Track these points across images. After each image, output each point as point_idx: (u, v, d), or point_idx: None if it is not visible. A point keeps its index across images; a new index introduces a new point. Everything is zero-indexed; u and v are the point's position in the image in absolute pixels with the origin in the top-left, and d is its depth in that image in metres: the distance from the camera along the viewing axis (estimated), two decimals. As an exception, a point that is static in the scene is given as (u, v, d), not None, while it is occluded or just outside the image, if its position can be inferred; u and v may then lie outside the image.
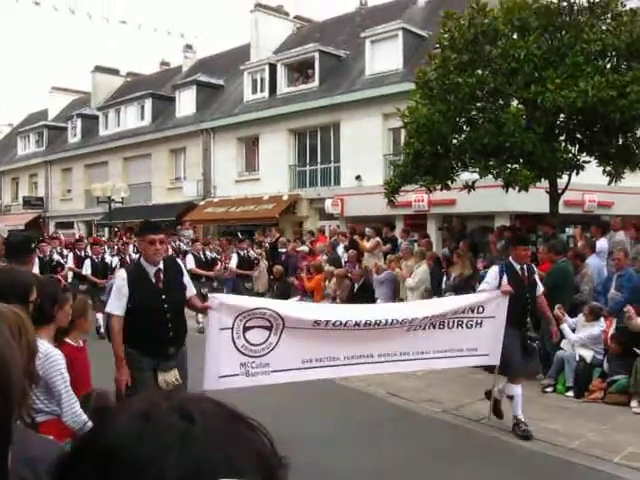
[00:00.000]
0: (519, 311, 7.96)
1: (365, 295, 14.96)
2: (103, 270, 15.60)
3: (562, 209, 14.62)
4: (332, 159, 26.04)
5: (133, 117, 36.11)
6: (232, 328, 6.14)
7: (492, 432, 8.13)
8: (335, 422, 8.47)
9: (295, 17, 34.45)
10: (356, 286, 15.14)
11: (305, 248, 18.68)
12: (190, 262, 15.52)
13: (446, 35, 12.80)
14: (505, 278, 7.90)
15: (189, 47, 38.97)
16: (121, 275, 5.92)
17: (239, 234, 21.88)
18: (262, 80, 29.31)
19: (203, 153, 31.04)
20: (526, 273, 8.23)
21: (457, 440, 7.88)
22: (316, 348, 6.56)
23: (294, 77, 28.34)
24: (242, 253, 17.23)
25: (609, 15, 12.39)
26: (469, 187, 13.37)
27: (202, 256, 16.51)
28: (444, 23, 12.86)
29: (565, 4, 12.32)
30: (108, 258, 16.56)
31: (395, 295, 14.71)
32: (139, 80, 42.42)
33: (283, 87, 28.20)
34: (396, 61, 23.77)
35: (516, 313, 7.84)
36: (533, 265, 9.02)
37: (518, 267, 8.17)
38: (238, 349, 6.19)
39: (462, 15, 12.68)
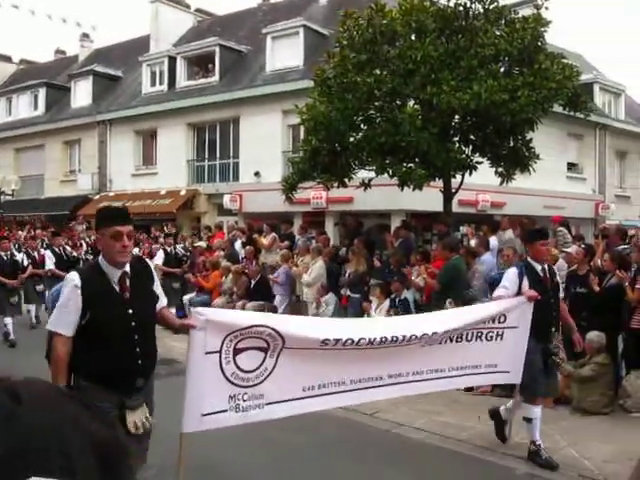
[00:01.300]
0: (544, 320, 6.80)
1: (262, 292, 14.94)
2: (13, 269, 13.94)
3: (456, 208, 15.02)
4: (231, 154, 25.89)
5: (26, 106, 34.86)
6: (220, 351, 4.86)
7: (384, 425, 8.24)
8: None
9: (196, 10, 34.04)
10: (252, 282, 15.08)
11: (203, 244, 18.47)
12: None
13: (345, 34, 12.93)
14: (526, 281, 6.84)
15: (86, 36, 37.91)
16: (72, 280, 4.27)
17: (165, 229, 21.22)
18: (161, 73, 28.83)
19: (99, 145, 30.31)
20: (548, 274, 7.13)
21: (348, 432, 7.94)
22: (320, 372, 5.41)
23: (194, 71, 28.01)
24: (169, 249, 16.07)
25: (503, 21, 12.81)
26: (366, 185, 13.55)
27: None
28: (343, 22, 12.98)
29: (461, 9, 12.64)
30: (18, 255, 14.69)
31: (292, 292, 14.74)
32: (33, 68, 40.98)
33: (182, 80, 27.84)
34: (297, 58, 23.83)
35: (540, 322, 6.72)
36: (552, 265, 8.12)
37: (539, 268, 7.04)
38: (227, 378, 4.91)
39: (361, 15, 12.82)
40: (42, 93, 34.29)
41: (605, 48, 74.15)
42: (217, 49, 26.73)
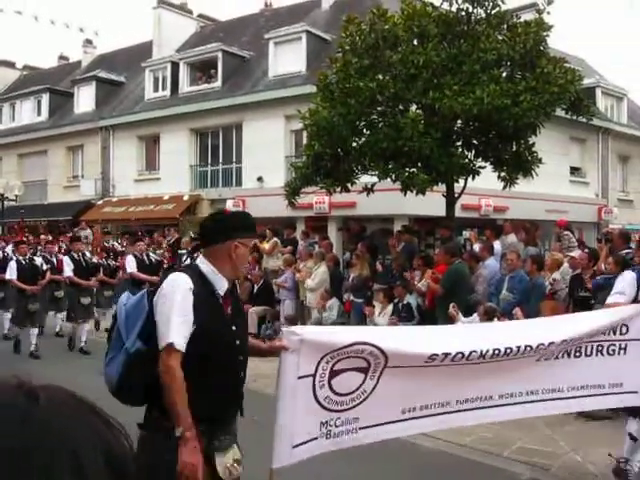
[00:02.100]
0: None
1: (265, 297, 14.95)
2: (32, 274, 13.21)
3: (459, 213, 15.02)
4: (234, 160, 25.91)
5: (29, 112, 34.93)
6: (314, 375, 4.15)
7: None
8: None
9: (199, 16, 34.09)
10: (255, 287, 15.08)
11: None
12: (131, 265, 13.88)
13: (347, 39, 12.95)
14: None
15: (89, 42, 37.99)
16: (186, 283, 3.47)
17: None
18: (164, 78, 28.88)
19: (102, 151, 30.35)
20: None
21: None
22: (422, 392, 4.65)
23: (196, 76, 28.05)
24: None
25: (505, 26, 12.82)
26: (368, 190, 13.55)
27: (145, 258, 14.20)
28: (345, 27, 13.00)
29: (463, 14, 12.66)
30: (37, 260, 13.93)
31: (297, 297, 14.74)
32: (36, 74, 41.05)
33: (185, 86, 27.88)
34: (299, 63, 23.87)
35: None
36: None
37: None
38: (320, 403, 4.22)
39: (363, 20, 12.84)
40: (45, 99, 34.35)
41: (607, 52, 74.19)
42: (220, 54, 26.77)
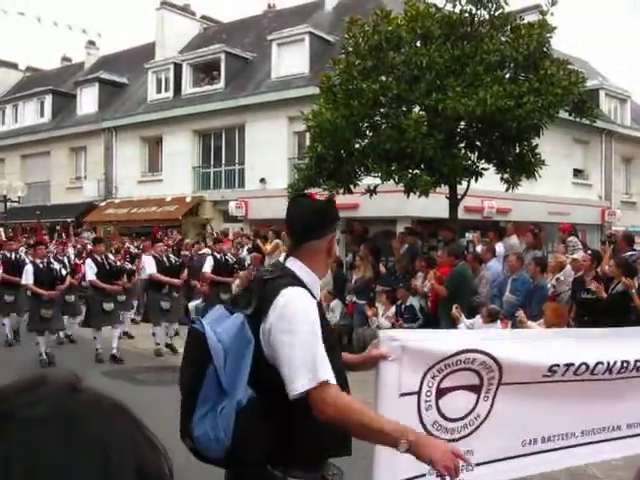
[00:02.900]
0: None
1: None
2: (50, 279, 12.30)
3: (462, 215, 14.99)
4: (237, 161, 25.93)
5: (32, 113, 34.95)
6: (419, 392, 3.24)
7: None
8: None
9: (202, 17, 34.12)
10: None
11: (208, 250, 18.47)
12: (151, 266, 13.19)
13: (350, 41, 12.94)
14: None
15: (92, 43, 38.04)
16: (310, 299, 2.73)
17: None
18: (167, 80, 28.90)
19: (105, 152, 30.38)
20: None
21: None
22: (542, 418, 3.62)
23: (199, 78, 28.07)
24: (219, 256, 14.26)
25: (508, 28, 12.80)
26: (371, 191, 13.54)
27: (165, 260, 13.40)
28: (348, 29, 12.99)
29: (467, 15, 12.65)
30: (55, 263, 12.97)
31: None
32: (39, 75, 41.10)
33: (188, 87, 27.89)
34: (302, 65, 23.86)
35: None
36: None
37: None
38: (427, 429, 3.27)
39: (366, 21, 12.84)
40: (48, 100, 34.39)
41: (611, 54, 74.19)
42: (223, 56, 26.79)
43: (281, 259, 15.38)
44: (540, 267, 10.72)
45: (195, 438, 2.62)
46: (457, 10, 12.72)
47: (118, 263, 13.77)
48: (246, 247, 17.40)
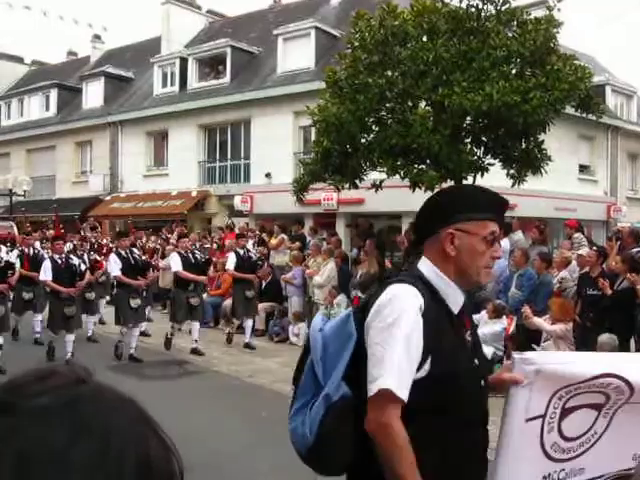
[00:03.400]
0: None
1: (272, 293, 14.98)
2: (69, 275, 11.72)
3: (467, 210, 14.95)
4: (242, 156, 25.93)
5: (37, 107, 35.01)
6: (544, 416, 2.93)
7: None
8: (242, 417, 8.45)
9: (207, 11, 34.12)
10: (264, 284, 15.11)
11: (214, 245, 18.50)
12: (176, 263, 12.73)
13: (356, 35, 12.92)
14: None
15: (97, 37, 38.11)
16: (413, 300, 2.36)
17: (231, 223, 19.60)
18: (172, 74, 28.91)
19: (110, 147, 30.41)
20: None
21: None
22: None
23: (205, 72, 28.08)
24: (242, 252, 13.69)
25: (515, 23, 12.75)
26: (377, 186, 13.53)
27: (190, 256, 12.90)
28: (355, 23, 12.96)
29: (473, 10, 12.61)
30: (74, 259, 12.24)
31: (304, 293, 14.73)
32: (44, 69, 41.16)
33: (194, 82, 27.89)
34: (308, 59, 23.85)
35: None
36: None
37: None
38: (545, 451, 2.96)
39: (373, 16, 12.81)
40: (54, 94, 34.42)
41: (617, 50, 73.85)
42: (228, 50, 26.78)
43: (286, 253, 15.42)
44: (545, 263, 10.72)
45: (289, 432, 2.44)
46: (464, 5, 12.68)
47: (144, 258, 13.33)
48: (251, 241, 17.41)
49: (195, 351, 12.54)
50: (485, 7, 12.60)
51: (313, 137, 15.53)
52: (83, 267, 12.35)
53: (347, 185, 13.58)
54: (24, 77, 41.35)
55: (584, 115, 13.54)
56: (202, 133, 27.40)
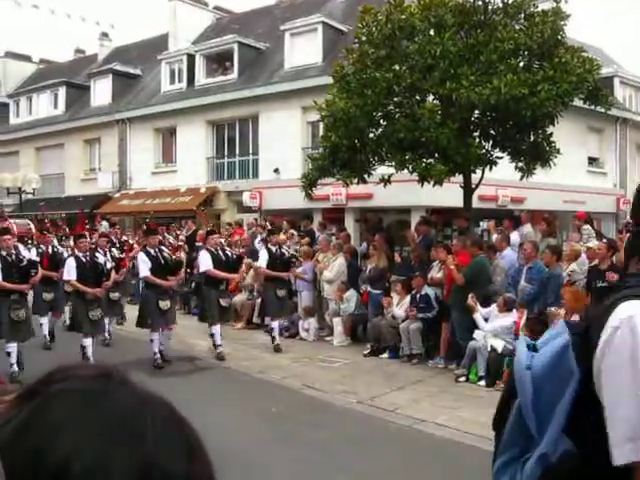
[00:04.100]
0: None
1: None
2: (95, 274, 10.97)
3: (477, 204, 14.97)
4: (250, 151, 25.94)
5: (46, 105, 35.10)
6: None
7: (405, 421, 8.27)
8: (253, 413, 8.48)
9: (214, 8, 34.10)
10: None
11: (223, 240, 18.50)
12: (206, 261, 12.05)
13: (364, 30, 12.91)
14: None
15: (105, 35, 38.19)
16: None
17: (268, 223, 18.38)
18: (180, 70, 28.93)
19: (119, 144, 30.47)
20: None
21: (370, 429, 7.99)
22: None
23: (213, 68, 28.08)
24: (274, 249, 13.09)
25: (522, 15, 12.74)
26: (385, 181, 13.53)
27: (221, 254, 12.28)
28: (362, 18, 12.96)
29: (480, 3, 12.59)
30: (100, 257, 11.47)
31: (314, 288, 14.74)
32: (53, 67, 41.25)
33: (201, 78, 27.91)
34: (315, 54, 23.82)
35: None
36: None
37: None
38: None
39: (380, 10, 12.80)
40: (62, 92, 34.51)
41: (626, 41, 73.47)
42: (236, 46, 26.78)
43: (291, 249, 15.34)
44: (555, 255, 10.71)
45: None
46: (471, -2, 12.68)
47: (174, 257, 12.48)
48: (259, 237, 17.40)
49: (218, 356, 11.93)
50: (492, 0, 12.58)
51: (321, 132, 15.52)
52: (109, 266, 11.47)
53: (355, 180, 13.58)
54: (32, 75, 41.48)
55: (592, 107, 13.51)
56: (210, 129, 27.43)
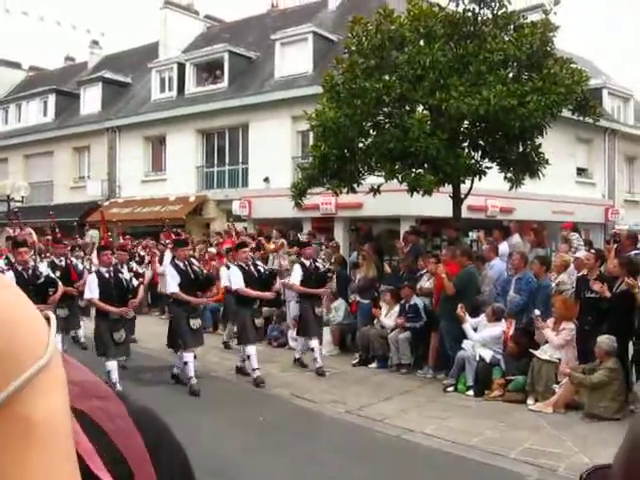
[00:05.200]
0: None
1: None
2: (120, 292, 9.89)
3: (466, 214, 15.01)
4: (240, 161, 25.93)
5: (35, 113, 34.97)
6: None
7: (393, 431, 8.26)
8: (241, 423, 8.46)
9: (205, 16, 34.12)
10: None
11: (212, 250, 18.48)
12: (237, 279, 10.99)
13: (354, 40, 12.95)
14: None
15: (95, 43, 38.13)
16: None
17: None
18: (170, 79, 28.92)
19: (108, 152, 30.39)
20: None
21: (359, 439, 7.97)
22: None
23: (203, 77, 28.08)
24: (308, 263, 12.05)
25: (511, 27, 12.81)
26: (375, 191, 13.55)
27: (253, 269, 11.19)
28: (352, 28, 13.00)
29: (470, 14, 12.65)
30: (125, 273, 10.58)
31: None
32: (42, 75, 41.11)
33: (192, 87, 27.90)
34: (306, 64, 23.87)
35: None
36: None
37: None
38: None
39: (370, 20, 12.85)
40: (51, 100, 34.41)
41: (614, 53, 73.96)
42: (226, 55, 26.80)
43: (286, 258, 15.36)
44: (544, 266, 10.74)
45: None
46: (460, 9, 12.73)
47: (205, 271, 11.61)
48: (249, 247, 17.37)
49: (240, 370, 11.30)
50: (481, 11, 12.66)
51: (311, 142, 15.54)
52: (135, 282, 10.43)
53: (345, 189, 13.60)
54: (22, 83, 41.34)
55: (581, 118, 13.59)
56: (200, 138, 27.40)
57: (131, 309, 10.20)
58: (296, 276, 11.91)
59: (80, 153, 32.49)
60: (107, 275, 9.82)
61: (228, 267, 12.45)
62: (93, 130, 30.72)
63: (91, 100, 32.25)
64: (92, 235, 23.40)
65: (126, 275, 10.29)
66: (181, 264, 10.40)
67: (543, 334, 9.86)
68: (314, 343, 11.72)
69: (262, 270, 11.41)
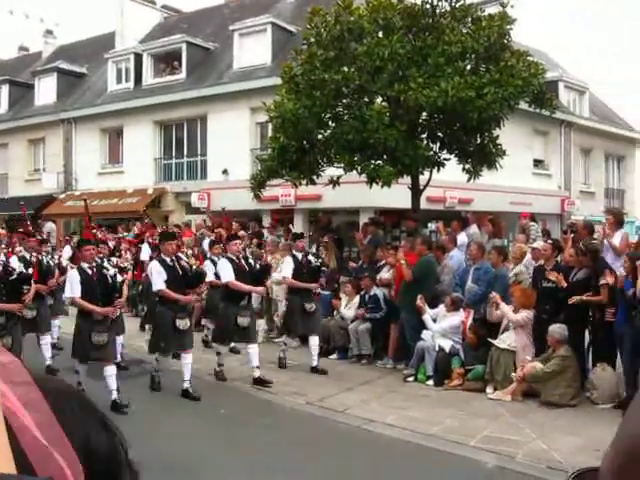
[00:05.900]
0: None
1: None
2: (103, 289, 8.93)
3: (425, 205, 15.11)
4: (199, 152, 25.76)
5: (-12, 104, 34.35)
6: None
7: (355, 422, 8.30)
8: (202, 416, 8.43)
9: (163, 6, 33.75)
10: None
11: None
12: (227, 272, 10.31)
13: (312, 31, 12.93)
14: None
15: (49, 32, 37.49)
16: None
17: (290, 226, 17.21)
18: (127, 70, 28.58)
19: (64, 144, 29.95)
20: None
21: (320, 430, 8.00)
22: None
23: (160, 68, 27.80)
24: (300, 256, 11.53)
25: (469, 19, 12.91)
26: (334, 182, 13.57)
27: (243, 262, 10.50)
28: (310, 19, 12.98)
29: (428, 6, 12.71)
30: (110, 269, 9.46)
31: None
32: (-5, 65, 40.38)
33: (149, 78, 27.61)
34: (264, 55, 23.77)
35: None
36: None
37: None
38: None
39: (328, 12, 12.83)
40: (5, 90, 33.76)
41: (569, 46, 74.96)
42: (184, 46, 26.56)
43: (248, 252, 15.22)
44: (502, 256, 10.85)
45: None
46: (419, 1, 12.79)
47: (195, 267, 10.89)
48: (208, 239, 17.27)
49: (259, 381, 10.15)
50: (440, 4, 12.73)
51: (270, 133, 15.50)
52: (120, 279, 9.60)
53: (304, 181, 13.60)
54: (-26, 73, 40.51)
55: (538, 110, 13.75)
56: (158, 130, 27.14)
57: (118, 309, 9.52)
58: (287, 269, 11.35)
59: (35, 145, 31.98)
60: (90, 272, 8.90)
61: (213, 261, 12.06)
62: (48, 122, 30.24)
63: (46, 91, 31.73)
64: (49, 228, 23.05)
65: (110, 271, 9.32)
66: (168, 259, 9.65)
67: (501, 312, 9.92)
68: (313, 341, 11.22)
69: (252, 264, 10.79)
